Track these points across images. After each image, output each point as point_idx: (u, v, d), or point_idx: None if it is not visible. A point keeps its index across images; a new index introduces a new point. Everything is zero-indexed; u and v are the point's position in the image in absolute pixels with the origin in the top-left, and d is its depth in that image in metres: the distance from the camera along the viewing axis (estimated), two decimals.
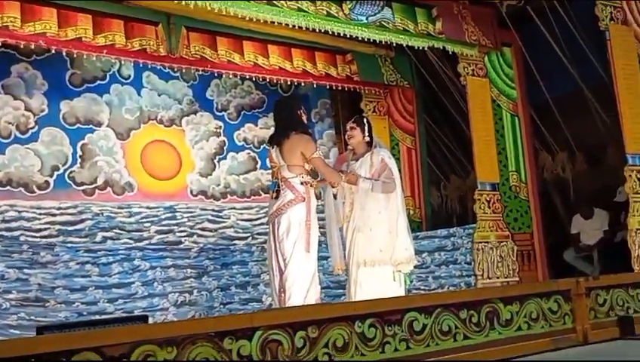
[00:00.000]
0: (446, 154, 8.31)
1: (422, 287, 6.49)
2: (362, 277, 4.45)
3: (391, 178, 4.49)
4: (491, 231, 6.58)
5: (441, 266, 6.70)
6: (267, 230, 6.87)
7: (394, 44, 6.66)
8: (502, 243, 6.55)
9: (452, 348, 2.91)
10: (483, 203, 6.61)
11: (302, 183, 4.39)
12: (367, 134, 4.61)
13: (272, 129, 4.74)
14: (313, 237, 4.35)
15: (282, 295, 4.30)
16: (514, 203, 6.79)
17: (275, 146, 4.51)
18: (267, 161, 7.52)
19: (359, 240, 4.48)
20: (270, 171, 4.62)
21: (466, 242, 6.58)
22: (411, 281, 4.89)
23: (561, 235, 7.09)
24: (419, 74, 7.89)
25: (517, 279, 6.47)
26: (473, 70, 6.83)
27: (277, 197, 4.40)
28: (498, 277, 6.42)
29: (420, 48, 6.62)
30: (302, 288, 4.26)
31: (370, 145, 4.62)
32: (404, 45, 6.52)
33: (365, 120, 4.73)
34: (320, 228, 4.38)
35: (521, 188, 6.84)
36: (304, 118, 4.58)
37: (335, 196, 4.64)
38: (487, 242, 6.50)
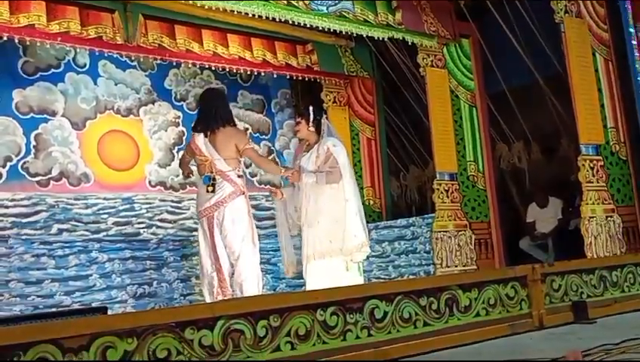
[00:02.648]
0: (405, 145, 8.38)
1: (382, 276, 6.56)
2: (313, 270, 4.40)
3: (335, 167, 4.39)
4: (450, 220, 6.69)
5: (400, 255, 6.78)
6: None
7: (354, 35, 6.69)
8: (460, 232, 6.67)
9: (413, 334, 2.95)
10: (442, 192, 6.71)
11: (239, 176, 4.40)
12: (311, 124, 4.53)
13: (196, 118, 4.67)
14: (255, 230, 4.39)
15: (222, 289, 4.29)
16: (472, 192, 6.91)
17: (204, 138, 4.46)
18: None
19: (309, 235, 4.43)
20: (196, 164, 4.54)
21: (425, 231, 6.67)
22: (364, 271, 4.84)
23: (517, 224, 7.26)
24: (379, 65, 7.94)
25: (475, 267, 6.60)
26: (432, 61, 6.91)
27: (213, 191, 4.36)
28: (456, 266, 6.54)
29: (380, 39, 6.66)
30: (254, 281, 4.29)
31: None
32: (365, 36, 6.56)
33: (310, 110, 4.59)
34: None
35: (478, 178, 6.96)
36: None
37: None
38: (445, 231, 6.61)
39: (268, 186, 7.69)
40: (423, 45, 6.78)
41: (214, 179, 4.38)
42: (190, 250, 6.09)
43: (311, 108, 4.62)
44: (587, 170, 5.51)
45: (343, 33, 6.70)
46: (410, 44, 6.80)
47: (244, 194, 4.40)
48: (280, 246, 4.66)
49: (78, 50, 6.45)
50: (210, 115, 4.54)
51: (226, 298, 4.24)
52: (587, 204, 5.47)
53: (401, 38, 6.65)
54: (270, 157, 7.91)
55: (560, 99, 6.52)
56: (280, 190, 4.65)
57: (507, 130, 7.48)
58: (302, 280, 6.04)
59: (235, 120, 4.72)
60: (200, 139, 4.49)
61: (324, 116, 4.72)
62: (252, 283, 4.29)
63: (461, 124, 7.01)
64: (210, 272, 4.44)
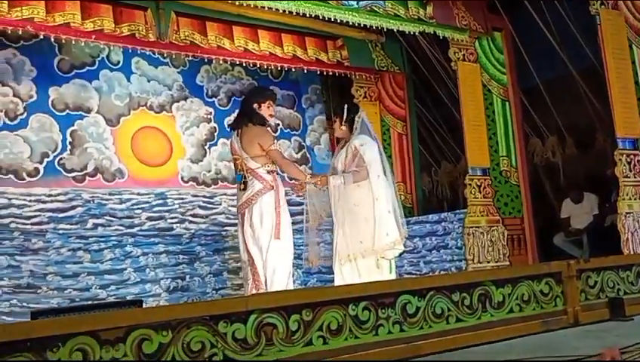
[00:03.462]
0: (437, 140, 8.33)
1: (413, 272, 6.53)
2: (345, 272, 4.40)
3: (362, 166, 4.38)
4: (482, 215, 6.62)
5: (432, 251, 6.74)
6: None
7: (385, 30, 6.64)
8: (492, 228, 6.60)
9: (445, 330, 2.93)
10: (474, 188, 6.64)
11: (268, 172, 4.43)
12: (344, 123, 4.55)
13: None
14: (284, 224, 4.41)
15: (256, 283, 4.33)
16: (504, 187, 6.82)
17: (235, 136, 4.56)
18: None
19: (339, 235, 4.43)
20: (232, 163, 4.59)
21: (457, 227, 6.61)
22: (396, 268, 4.86)
23: (551, 219, 7.15)
24: (410, 59, 7.88)
25: (507, 263, 6.52)
26: (464, 55, 6.84)
27: (245, 189, 4.45)
28: (489, 262, 6.47)
29: (411, 33, 6.61)
30: (283, 274, 4.31)
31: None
32: (395, 30, 6.52)
33: (344, 108, 4.62)
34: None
35: (511, 173, 6.87)
36: (263, 110, 4.57)
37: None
38: (477, 227, 6.54)
39: (292, 181, 7.72)
40: (454, 39, 6.71)
41: (245, 177, 4.45)
42: (222, 245, 6.16)
43: (345, 106, 4.64)
44: (624, 165, 5.39)
45: (374, 28, 6.66)
46: (441, 38, 6.72)
47: (273, 189, 4.43)
48: (305, 238, 4.71)
49: (111, 47, 6.54)
50: (240, 113, 4.65)
51: (259, 292, 4.28)
52: (624, 199, 5.36)
53: (432, 32, 6.59)
54: (301, 153, 7.94)
55: (595, 93, 6.40)
56: (301, 183, 4.66)
57: (541, 124, 7.37)
58: (333, 276, 6.07)
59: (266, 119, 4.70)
60: (233, 138, 4.60)
61: (360, 113, 4.67)
62: (281, 278, 4.31)
63: (494, 118, 6.92)
64: (245, 267, 4.50)
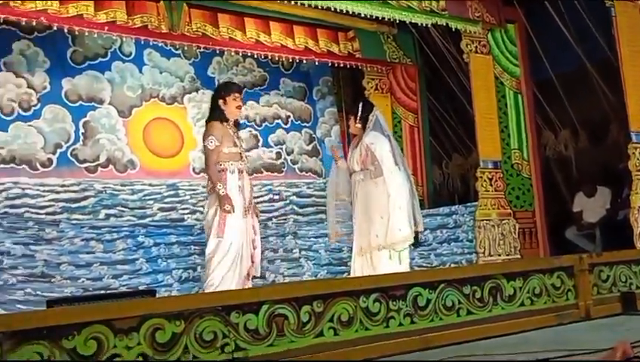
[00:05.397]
0: (448, 132, 8.30)
1: (424, 264, 6.52)
2: (360, 264, 4.60)
3: (375, 163, 4.56)
4: (493, 208, 6.61)
5: (442, 244, 6.73)
6: (268, 207, 7.02)
7: (397, 21, 6.62)
8: (503, 221, 6.58)
9: (456, 322, 2.94)
10: (485, 181, 6.62)
11: (219, 171, 4.48)
12: (358, 121, 4.71)
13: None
14: (228, 222, 4.41)
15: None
16: (516, 180, 6.80)
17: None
18: (269, 139, 7.61)
19: (358, 230, 4.65)
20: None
21: (468, 220, 6.61)
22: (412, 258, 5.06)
23: (563, 213, 7.11)
24: (422, 51, 7.85)
25: (518, 257, 6.51)
26: (476, 47, 6.80)
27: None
28: (500, 255, 6.46)
29: (423, 25, 6.58)
30: (216, 270, 4.38)
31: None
32: (407, 22, 6.49)
33: (359, 106, 4.78)
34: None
35: (523, 166, 6.84)
36: (229, 104, 4.61)
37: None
38: (488, 220, 6.53)
39: (309, 173, 7.75)
40: (467, 31, 6.67)
41: None
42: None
43: (360, 104, 4.80)
44: (637, 158, 5.36)
45: (386, 20, 6.64)
46: (453, 30, 6.69)
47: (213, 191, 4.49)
48: (327, 216, 4.99)
49: (124, 39, 6.55)
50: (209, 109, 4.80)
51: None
52: (637, 193, 5.33)
53: (444, 24, 6.56)
54: (311, 145, 7.93)
55: (609, 86, 6.35)
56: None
57: (553, 117, 7.32)
58: (342, 268, 6.09)
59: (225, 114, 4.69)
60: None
61: (374, 111, 4.78)
62: (215, 276, 4.39)
63: (506, 111, 6.89)
64: None
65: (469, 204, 6.81)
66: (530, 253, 6.61)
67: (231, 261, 4.41)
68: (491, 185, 6.64)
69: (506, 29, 6.92)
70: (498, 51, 6.92)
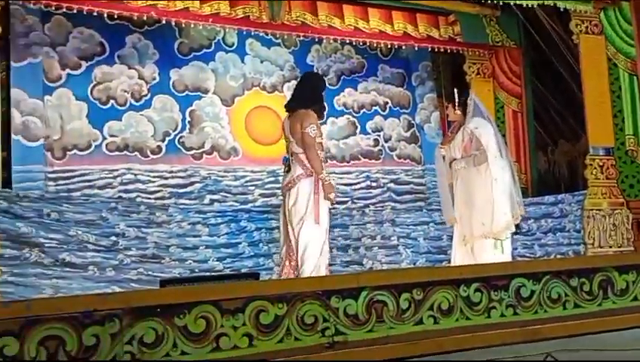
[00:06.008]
0: (554, 118, 7.93)
1: (527, 254, 6.31)
2: (459, 255, 4.58)
3: (480, 148, 4.49)
4: (604, 197, 6.27)
5: (547, 233, 6.49)
6: (365, 194, 7.02)
7: (500, 3, 6.39)
8: (615, 211, 6.23)
9: (562, 315, 2.84)
10: (595, 168, 6.29)
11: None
12: (457, 107, 4.66)
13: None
14: (322, 210, 4.46)
15: (289, 263, 4.51)
16: (630, 168, 6.40)
17: (287, 119, 4.69)
18: (366, 126, 7.59)
19: (462, 218, 4.59)
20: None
21: (576, 209, 6.31)
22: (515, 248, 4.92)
23: None
24: (527, 33, 7.54)
25: (632, 249, 6.14)
26: (587, 27, 6.45)
27: (288, 171, 4.62)
28: (611, 246, 6.13)
29: (529, 6, 6.31)
30: (312, 257, 4.35)
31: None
32: (512, 4, 6.25)
33: (454, 92, 4.74)
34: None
35: (638, 153, 6.43)
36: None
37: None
38: (599, 209, 6.21)
39: (407, 160, 7.68)
40: (576, 11, 6.33)
41: (290, 160, 4.62)
42: (331, 222, 6.23)
43: (455, 90, 4.76)
44: None
45: (488, 2, 6.43)
46: (562, 10, 6.37)
47: (312, 175, 4.47)
48: (440, 198, 4.94)
49: (227, 30, 6.76)
50: (303, 96, 4.76)
51: (291, 274, 4.48)
52: None
53: (552, 4, 6.25)
54: (410, 132, 7.85)
55: None
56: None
57: None
58: (442, 256, 6.01)
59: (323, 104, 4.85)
60: (284, 120, 4.78)
61: (471, 95, 4.75)
62: (310, 263, 4.39)
63: (619, 94, 6.49)
64: (282, 246, 4.70)
65: (576, 193, 6.51)
66: None
67: (325, 247, 4.51)
68: (602, 172, 6.30)
69: (621, 7, 6.50)
70: (611, 31, 6.51)
